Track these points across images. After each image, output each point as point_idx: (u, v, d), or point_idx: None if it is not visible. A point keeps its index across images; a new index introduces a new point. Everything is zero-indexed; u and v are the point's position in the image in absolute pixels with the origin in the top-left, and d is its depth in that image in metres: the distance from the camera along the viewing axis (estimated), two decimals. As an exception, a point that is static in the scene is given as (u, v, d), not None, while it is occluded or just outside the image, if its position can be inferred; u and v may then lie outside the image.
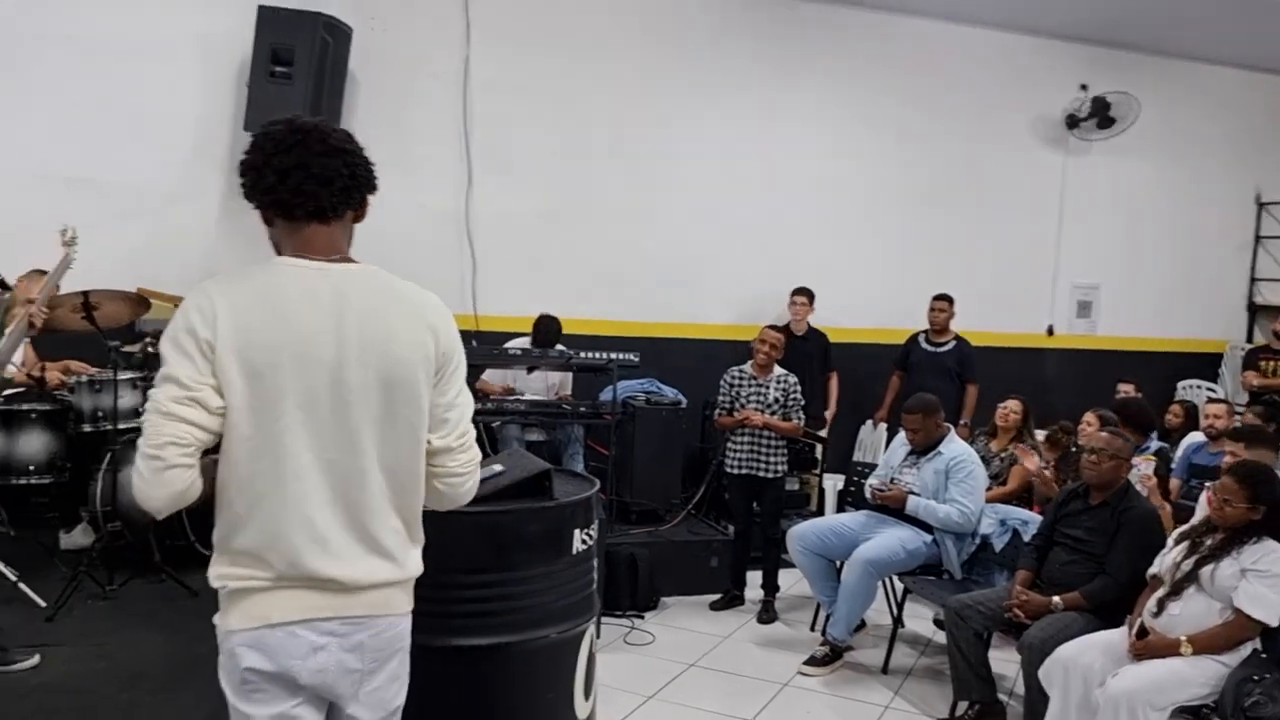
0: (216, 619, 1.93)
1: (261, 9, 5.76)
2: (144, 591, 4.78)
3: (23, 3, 5.81)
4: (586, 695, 2.73)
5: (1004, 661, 4.38)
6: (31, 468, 4.98)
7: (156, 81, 6.04)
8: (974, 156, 7.81)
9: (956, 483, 4.60)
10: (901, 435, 4.94)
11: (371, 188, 2.01)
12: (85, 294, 4.79)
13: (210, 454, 1.87)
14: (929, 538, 4.62)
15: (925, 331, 6.96)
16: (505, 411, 5.68)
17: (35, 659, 3.95)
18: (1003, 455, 5.58)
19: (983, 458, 5.13)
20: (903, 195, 7.66)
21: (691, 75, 7.10)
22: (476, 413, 5.69)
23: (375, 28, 6.37)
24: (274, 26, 5.74)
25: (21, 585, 4.56)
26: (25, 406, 4.98)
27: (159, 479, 1.80)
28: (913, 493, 4.67)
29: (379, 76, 6.47)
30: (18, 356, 4.92)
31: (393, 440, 1.93)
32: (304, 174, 1.89)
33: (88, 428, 5.07)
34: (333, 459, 1.88)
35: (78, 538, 5.31)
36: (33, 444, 4.95)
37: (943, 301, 6.86)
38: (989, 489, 5.08)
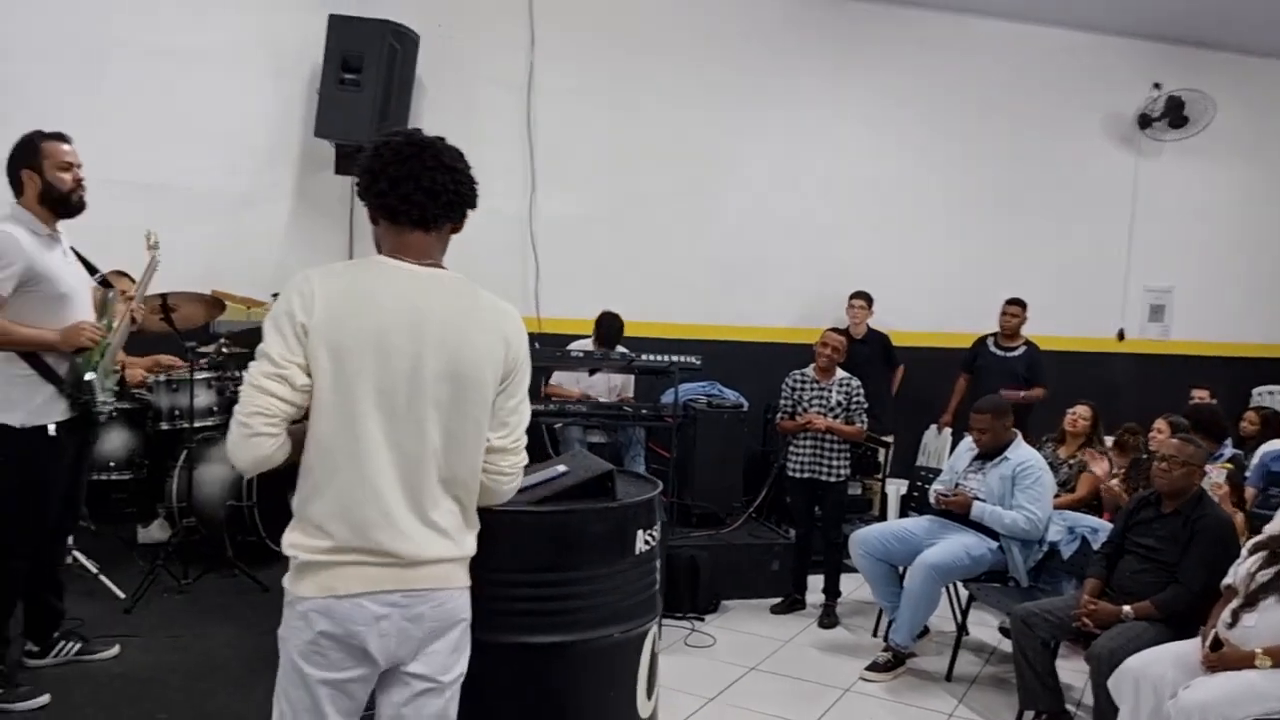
0: (286, 581, 2.08)
1: (332, 18, 5.89)
2: (217, 586, 4.91)
3: (106, 15, 6.02)
4: (649, 694, 2.75)
5: (1072, 671, 4.30)
6: (112, 464, 5.16)
7: (231, 90, 6.22)
8: (1042, 157, 7.70)
9: (1023, 488, 4.53)
10: (967, 440, 4.88)
11: (472, 204, 2.19)
12: (164, 296, 4.95)
13: (301, 422, 2.06)
14: (994, 544, 4.55)
15: (994, 335, 6.87)
16: (567, 413, 5.72)
17: (115, 649, 4.08)
18: (1071, 462, 5.49)
19: (1050, 464, 5.04)
20: (967, 196, 7.58)
21: (753, 78, 7.11)
22: (539, 414, 5.72)
23: (441, 35, 6.48)
24: (344, 34, 5.87)
25: (102, 578, 4.73)
26: (106, 408, 5.14)
27: (246, 444, 2.00)
28: (978, 498, 4.61)
29: (445, 82, 6.58)
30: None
31: (457, 432, 2.08)
32: (414, 185, 2.07)
33: (165, 426, 5.23)
34: (401, 442, 2.04)
35: (154, 532, 5.47)
36: (113, 441, 5.13)
37: (1015, 306, 6.75)
38: (1057, 496, 4.99)
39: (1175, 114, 7.62)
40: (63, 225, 3.68)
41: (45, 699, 3.61)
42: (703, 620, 5.13)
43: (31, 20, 5.90)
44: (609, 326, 6.12)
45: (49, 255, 3.56)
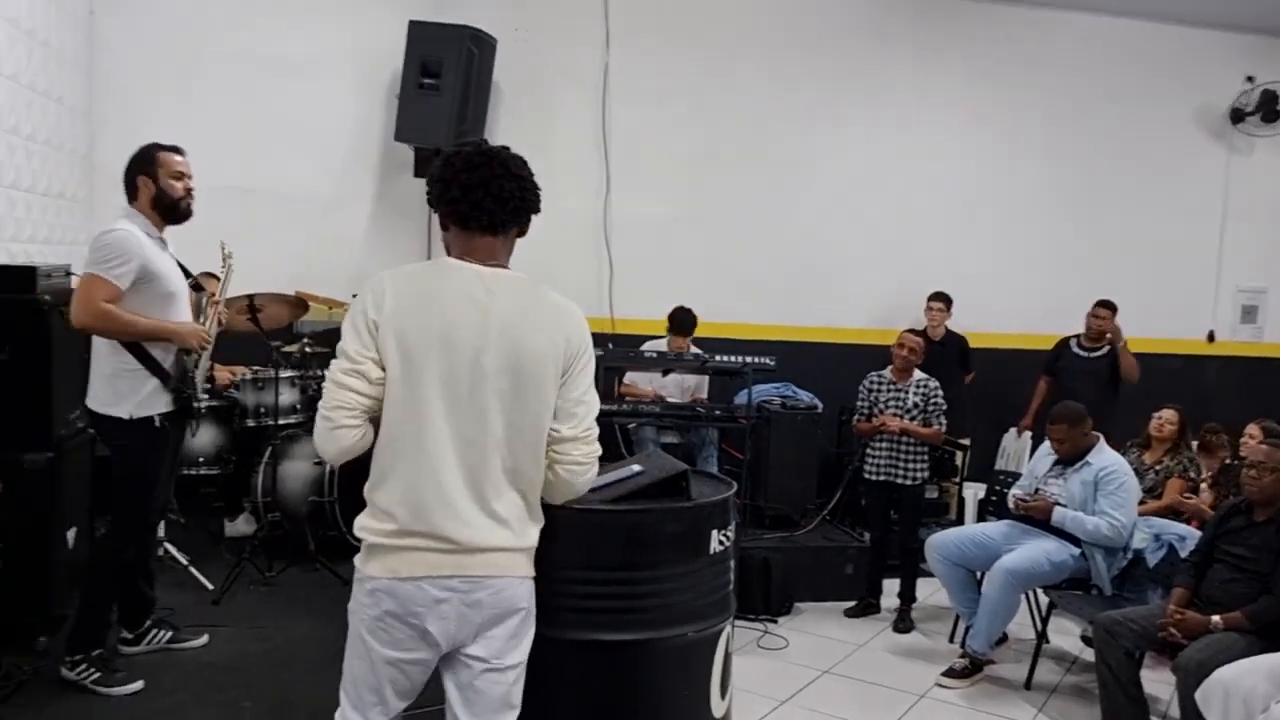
0: (357, 560, 2.24)
1: (412, 24, 6.00)
2: (300, 579, 5.04)
3: (203, 26, 6.23)
4: (723, 694, 2.75)
5: (1157, 683, 4.20)
6: (201, 460, 5.34)
7: (315, 96, 6.38)
8: (1130, 153, 7.50)
9: (1106, 494, 4.42)
10: (1047, 444, 4.78)
11: (536, 209, 2.31)
12: (250, 297, 5.09)
13: None
14: (1076, 551, 4.45)
15: (1077, 336, 6.71)
16: (641, 414, 5.74)
17: (204, 638, 4.22)
18: (1157, 468, 5.34)
19: (1135, 470, 4.91)
20: (1052, 194, 7.42)
21: (829, 76, 7.05)
22: (612, 414, 5.78)
23: (518, 38, 6.55)
24: (424, 40, 5.97)
25: (192, 569, 4.90)
26: (201, 402, 5.33)
27: (329, 436, 2.17)
28: (1059, 503, 4.51)
29: (521, 85, 6.66)
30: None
31: (518, 423, 2.19)
32: (484, 192, 2.20)
33: (251, 423, 5.39)
34: (464, 432, 2.16)
35: (240, 526, 5.64)
36: (202, 438, 5.29)
37: (1104, 309, 6.58)
38: (1142, 502, 4.86)
39: (1269, 108, 7.36)
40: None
41: (139, 684, 3.75)
42: (775, 622, 5.11)
43: (132, 29, 6.13)
44: (682, 318, 6.15)
45: (161, 256, 3.75)
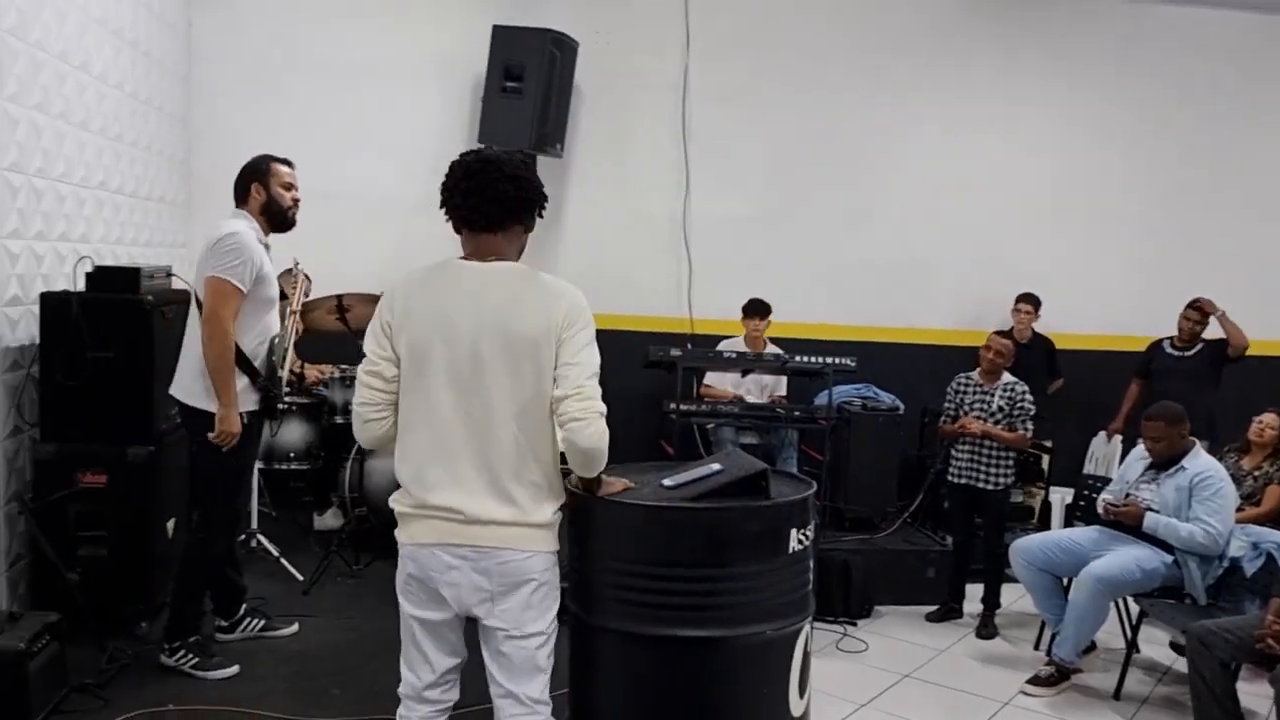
0: (396, 531, 2.51)
1: (496, 28, 6.10)
2: (386, 572, 5.08)
3: (290, 37, 6.44)
4: (801, 694, 2.75)
5: (1254, 696, 4.05)
6: (291, 455, 5.50)
7: (401, 101, 6.54)
8: (1231, 149, 7.20)
9: (1202, 500, 4.28)
10: (1139, 449, 4.65)
11: (535, 205, 2.50)
12: (339, 297, 5.23)
13: None
14: (1169, 558, 4.32)
15: (1170, 337, 6.52)
16: (719, 414, 5.74)
17: (294, 627, 4.36)
18: (1256, 473, 5.16)
19: (1233, 476, 4.75)
20: (1148, 192, 7.17)
21: (912, 75, 6.95)
22: (690, 414, 5.80)
23: (599, 41, 6.61)
24: (507, 44, 6.07)
25: (283, 561, 5.05)
26: (287, 400, 5.50)
27: (361, 428, 2.50)
28: (1151, 509, 4.38)
29: (602, 87, 6.71)
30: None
31: (519, 396, 2.38)
32: (480, 197, 2.42)
33: (339, 420, 5.54)
34: (471, 414, 2.38)
35: (329, 520, 5.80)
36: (293, 434, 5.46)
37: (1195, 311, 6.38)
38: (1240, 509, 4.70)
39: (1377, 103, 7.04)
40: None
41: (235, 669, 3.90)
42: (855, 625, 5.07)
43: (227, 40, 6.36)
44: (757, 302, 6.20)
45: (267, 260, 3.89)
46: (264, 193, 3.89)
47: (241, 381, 3.81)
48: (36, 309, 4.14)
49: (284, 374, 4.02)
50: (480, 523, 2.38)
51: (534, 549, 2.42)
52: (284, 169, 3.97)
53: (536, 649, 2.46)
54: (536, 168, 6.37)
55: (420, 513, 2.42)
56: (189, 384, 3.80)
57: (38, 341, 4.16)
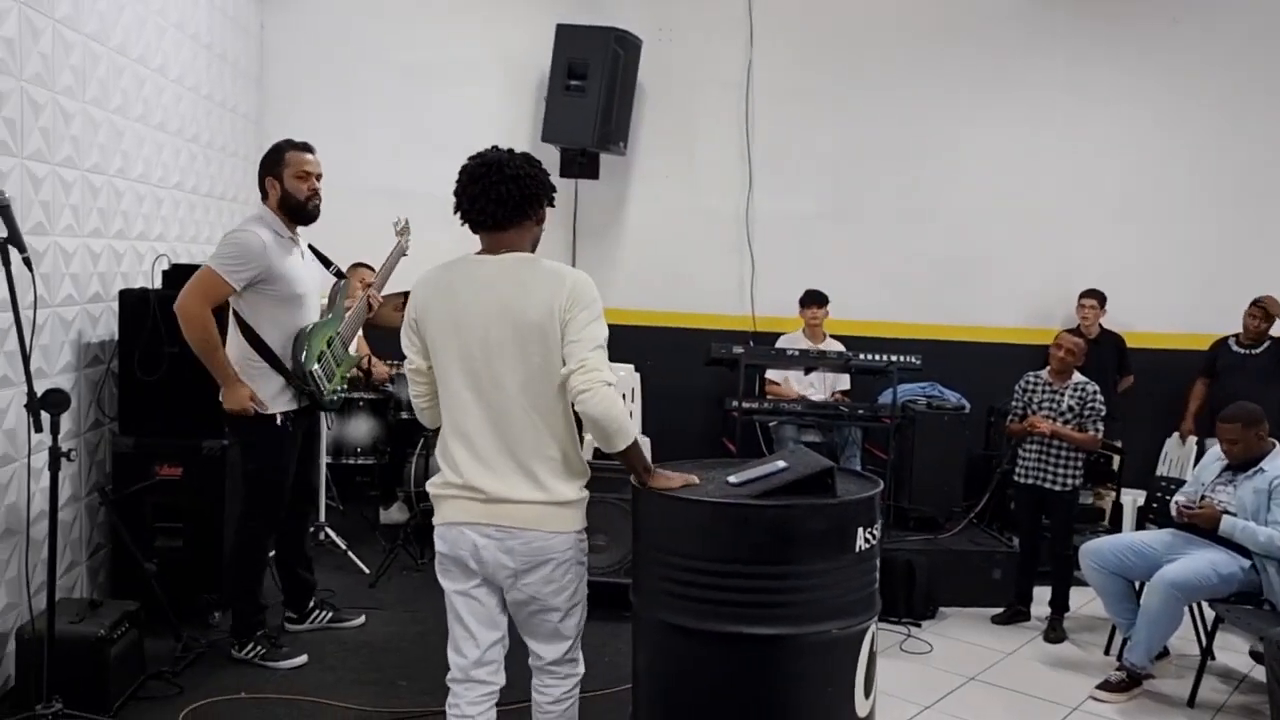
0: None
1: (559, 27, 6.14)
2: (450, 566, 5.22)
3: (359, 39, 6.57)
4: (867, 694, 2.73)
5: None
6: (358, 450, 5.60)
7: (466, 100, 6.61)
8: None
9: (1282, 504, 4.16)
10: (1215, 449, 4.53)
11: (541, 200, 2.63)
12: (405, 294, 5.28)
13: None
14: (1246, 563, 4.20)
15: (1235, 335, 6.36)
16: (782, 412, 5.71)
17: (361, 619, 4.43)
18: (1339, 476, 4.98)
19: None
20: (1221, 186, 6.94)
21: (975, 70, 6.82)
22: (753, 412, 5.77)
23: (663, 39, 6.62)
24: (571, 42, 6.11)
25: (350, 554, 5.14)
26: (355, 395, 5.59)
27: (421, 416, 2.76)
28: (1228, 512, 4.27)
29: (665, 84, 6.72)
30: (352, 347, 5.54)
31: (529, 376, 2.53)
32: (485, 199, 2.56)
33: (405, 415, 5.61)
34: (488, 398, 2.54)
35: (394, 514, 5.89)
36: (360, 429, 5.55)
37: (1260, 309, 6.22)
38: (1321, 513, 4.55)
39: None
40: (306, 228, 3.99)
41: (303, 659, 3.98)
42: (919, 626, 5.01)
43: (299, 42, 6.51)
44: (814, 293, 6.22)
45: (289, 258, 3.83)
46: (278, 187, 3.82)
47: (276, 382, 3.80)
48: (116, 306, 4.27)
49: (327, 363, 3.94)
50: (503, 501, 2.53)
51: (557, 529, 2.56)
52: (302, 156, 3.84)
53: (560, 620, 2.64)
54: (599, 166, 6.44)
55: (448, 493, 2.59)
56: None
57: (117, 338, 4.28)
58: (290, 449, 3.94)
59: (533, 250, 2.66)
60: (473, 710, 2.67)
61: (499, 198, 2.55)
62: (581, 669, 2.75)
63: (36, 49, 3.70)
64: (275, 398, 3.82)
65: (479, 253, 2.63)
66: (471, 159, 2.64)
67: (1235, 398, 4.67)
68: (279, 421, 3.83)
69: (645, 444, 2.86)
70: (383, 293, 4.45)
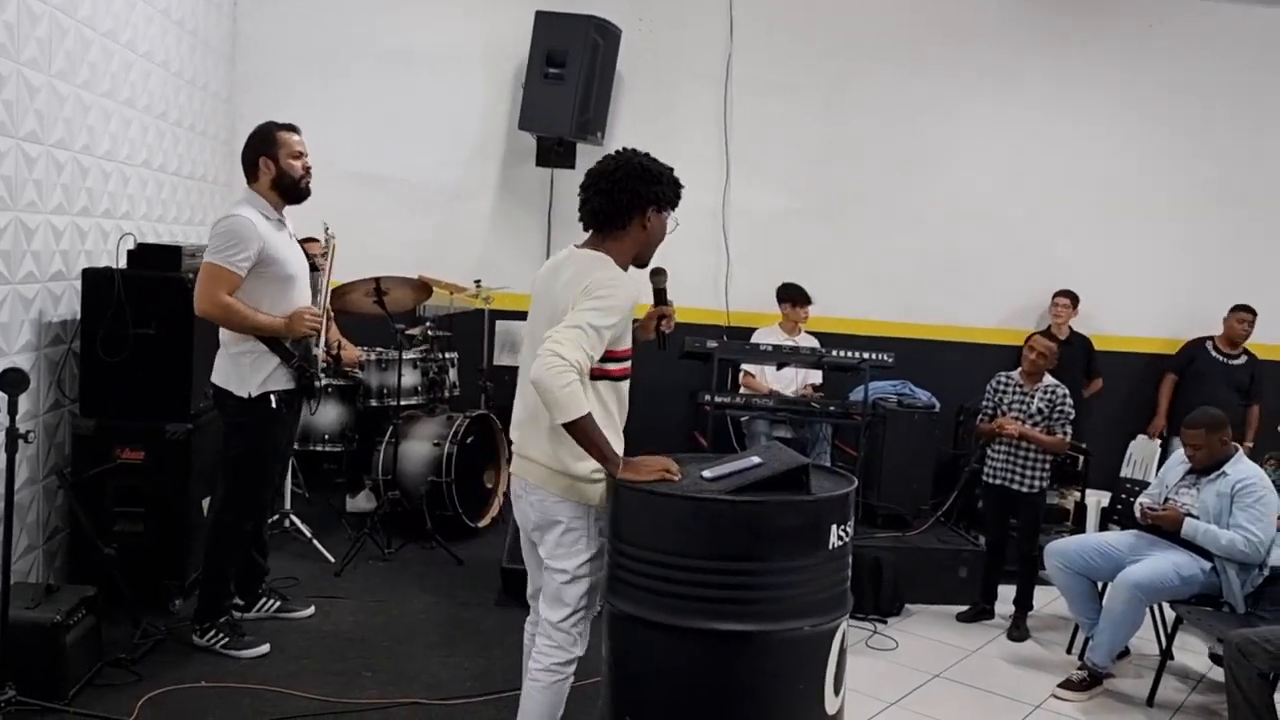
0: None
1: (539, 14, 6.08)
2: (417, 556, 5.18)
3: (336, 21, 6.48)
4: (837, 691, 2.73)
5: (1294, 708, 3.98)
6: (326, 436, 5.52)
7: (443, 86, 6.56)
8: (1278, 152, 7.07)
9: (1243, 507, 4.20)
10: (1179, 453, 4.57)
11: (610, 207, 2.80)
12: (377, 280, 5.23)
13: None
14: (1207, 565, 4.25)
15: (1213, 338, 6.45)
16: (754, 407, 5.71)
17: (310, 610, 4.36)
18: (1299, 482, 5.06)
19: (1276, 484, 4.66)
20: (1197, 194, 6.99)
21: (956, 70, 6.85)
22: (725, 406, 5.75)
23: (642, 28, 6.59)
24: (550, 30, 6.05)
25: (315, 542, 5.08)
26: (323, 381, 5.50)
27: None
28: (1190, 515, 4.32)
29: (644, 75, 6.69)
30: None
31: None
32: (583, 209, 2.87)
33: (374, 403, 5.55)
34: (528, 363, 2.73)
35: (361, 503, 5.82)
36: (328, 415, 5.48)
37: (1247, 313, 6.31)
38: (1281, 517, 4.62)
39: None
40: (287, 210, 3.95)
41: (265, 648, 3.92)
42: (885, 623, 5.03)
43: (273, 22, 6.41)
44: (796, 288, 6.17)
45: (279, 238, 3.82)
46: (273, 167, 3.80)
47: (272, 364, 3.80)
48: (79, 285, 4.17)
49: (319, 351, 3.97)
50: (525, 458, 2.82)
51: (563, 496, 2.75)
52: (292, 136, 3.84)
53: (562, 584, 2.78)
54: (576, 155, 6.39)
55: (513, 447, 2.92)
56: (222, 365, 3.82)
57: (79, 317, 4.19)
58: (281, 431, 3.96)
59: (638, 247, 2.88)
60: (530, 629, 3.03)
61: (591, 209, 2.84)
62: (577, 653, 2.83)
63: (1, 19, 3.61)
64: (272, 378, 3.80)
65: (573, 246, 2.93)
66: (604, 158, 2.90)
67: (1210, 402, 4.73)
68: (273, 403, 3.80)
69: (619, 442, 2.82)
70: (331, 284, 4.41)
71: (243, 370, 3.77)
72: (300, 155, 3.85)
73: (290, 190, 3.86)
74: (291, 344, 3.84)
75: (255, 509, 4.01)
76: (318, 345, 3.96)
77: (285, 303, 3.82)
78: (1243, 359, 6.38)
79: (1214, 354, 6.44)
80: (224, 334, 3.81)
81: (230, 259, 3.63)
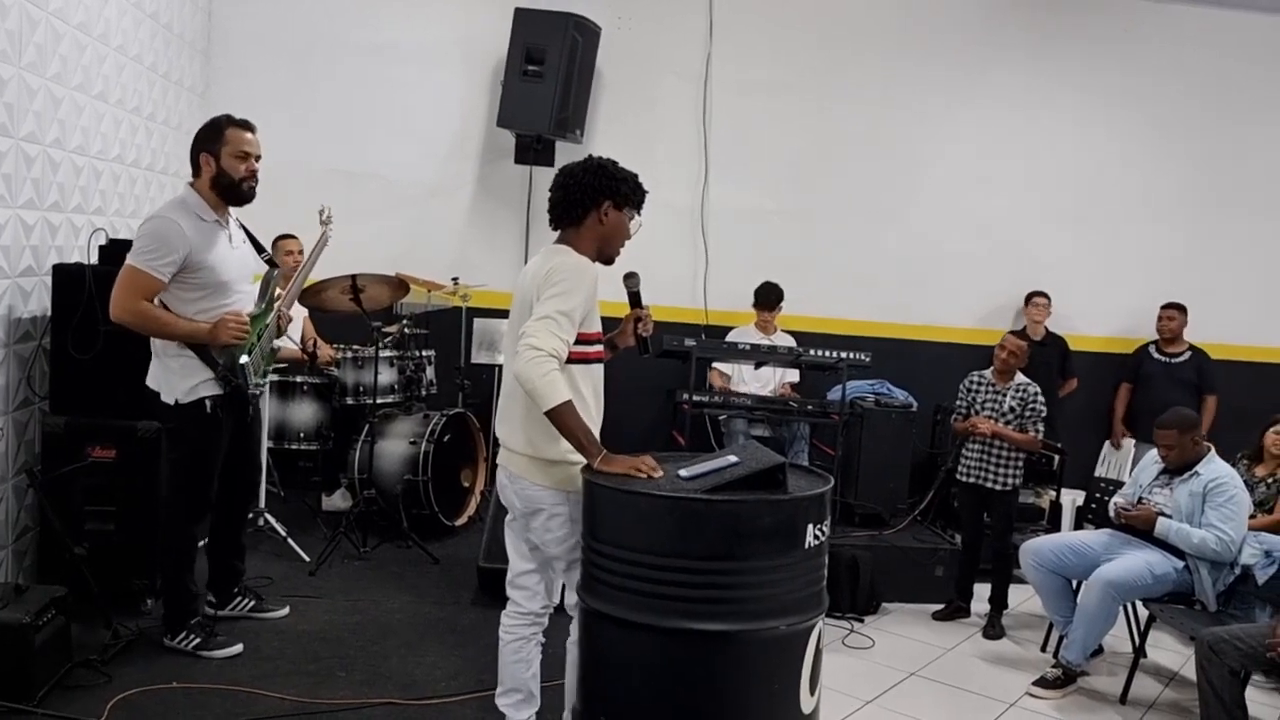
0: None
1: (518, 11, 6.06)
2: (393, 555, 5.15)
3: (312, 16, 6.42)
4: (812, 690, 2.73)
5: (1263, 705, 4.03)
6: (301, 435, 5.49)
7: (421, 83, 6.52)
8: (1255, 152, 7.13)
9: (1215, 507, 4.24)
10: (1152, 452, 4.61)
11: (578, 202, 2.89)
12: (353, 277, 5.19)
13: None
14: (1180, 564, 4.29)
15: (1155, 341, 6.54)
16: (732, 405, 5.71)
17: (285, 610, 4.31)
18: (1270, 481, 5.11)
19: (1246, 483, 4.70)
20: (1170, 195, 7.07)
21: (933, 72, 6.88)
22: (702, 405, 5.74)
23: (622, 26, 6.57)
24: (528, 27, 6.03)
25: (290, 541, 5.04)
26: (299, 379, 5.48)
27: None
28: (1164, 514, 4.35)
29: (623, 73, 6.67)
30: (296, 330, 5.42)
31: (515, 344, 2.81)
32: (550, 205, 2.98)
33: (350, 401, 5.51)
34: (508, 355, 2.92)
35: (337, 501, 5.78)
36: (303, 413, 5.44)
37: (1173, 310, 6.42)
38: (1253, 516, 4.66)
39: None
40: (239, 209, 3.79)
41: (238, 648, 3.87)
42: (861, 621, 5.04)
43: (249, 16, 6.34)
44: (768, 291, 6.17)
45: (213, 242, 3.61)
46: (214, 164, 3.58)
47: (204, 372, 3.63)
48: (49, 280, 4.13)
49: (257, 355, 3.79)
50: (509, 450, 2.90)
51: (542, 483, 2.85)
52: (243, 135, 3.60)
53: (564, 572, 2.94)
54: (555, 152, 6.37)
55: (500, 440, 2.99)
56: (153, 370, 3.68)
57: (50, 313, 4.14)
58: (218, 436, 3.76)
59: (597, 241, 2.94)
60: (506, 620, 3.08)
61: (549, 203, 2.95)
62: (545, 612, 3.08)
63: (-30, 11, 3.56)
64: (202, 385, 3.64)
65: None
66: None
67: (1160, 404, 4.80)
68: (208, 408, 3.66)
69: (597, 429, 2.84)
70: (308, 280, 4.30)
71: (171, 376, 3.62)
72: (247, 156, 3.62)
73: (228, 191, 3.63)
74: (217, 352, 3.64)
75: (199, 512, 3.88)
76: (250, 351, 3.74)
77: (215, 311, 3.62)
78: (1185, 355, 6.50)
79: (1157, 356, 6.54)
80: (154, 339, 3.65)
81: (150, 263, 3.45)
